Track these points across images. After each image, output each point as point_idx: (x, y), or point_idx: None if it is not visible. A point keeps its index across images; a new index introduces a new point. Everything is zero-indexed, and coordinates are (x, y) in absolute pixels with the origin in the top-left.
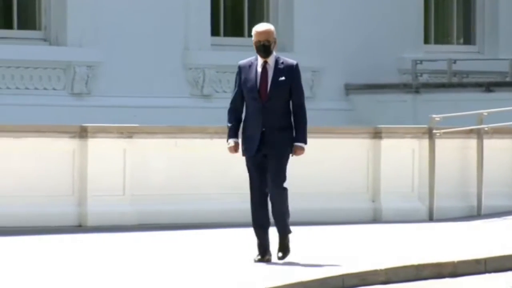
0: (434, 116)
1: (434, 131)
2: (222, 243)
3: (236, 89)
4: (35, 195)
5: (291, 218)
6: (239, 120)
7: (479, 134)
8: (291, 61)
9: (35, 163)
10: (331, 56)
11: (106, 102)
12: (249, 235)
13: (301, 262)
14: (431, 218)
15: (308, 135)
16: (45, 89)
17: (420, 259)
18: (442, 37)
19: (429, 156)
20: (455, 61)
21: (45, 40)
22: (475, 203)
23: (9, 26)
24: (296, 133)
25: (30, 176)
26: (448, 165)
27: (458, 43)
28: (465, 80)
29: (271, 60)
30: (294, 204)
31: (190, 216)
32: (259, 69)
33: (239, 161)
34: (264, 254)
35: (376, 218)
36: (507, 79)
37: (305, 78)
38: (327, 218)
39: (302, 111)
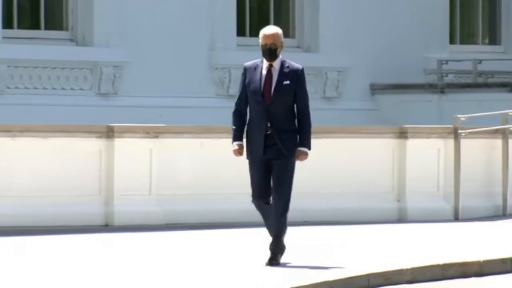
0: (459, 116)
1: (460, 131)
2: (247, 243)
3: (241, 90)
4: (62, 194)
5: (319, 218)
6: (243, 122)
7: (504, 134)
8: (297, 65)
9: (62, 163)
10: (356, 56)
11: (133, 102)
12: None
13: (326, 262)
14: (456, 218)
15: (333, 135)
16: (72, 89)
17: (445, 259)
18: (467, 37)
19: (455, 156)
20: (480, 61)
21: (72, 40)
22: (500, 203)
23: (36, 26)
24: (300, 138)
25: (57, 176)
26: (474, 165)
27: (483, 43)
28: (490, 80)
29: (276, 64)
30: (320, 204)
31: (216, 215)
32: (264, 72)
33: None
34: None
35: (401, 218)
36: None
37: (331, 78)
38: (352, 218)
39: (306, 115)
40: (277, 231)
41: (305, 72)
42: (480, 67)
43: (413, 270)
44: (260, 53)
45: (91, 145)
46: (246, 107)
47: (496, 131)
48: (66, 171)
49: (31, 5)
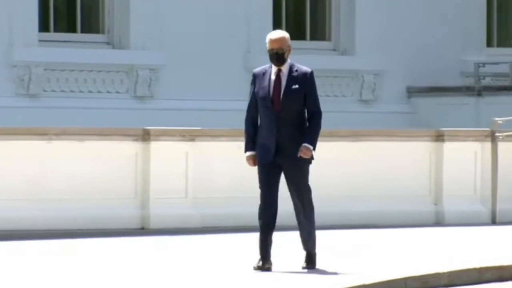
0: (496, 119)
1: (497, 134)
2: (283, 246)
3: (251, 97)
4: (98, 198)
5: (355, 222)
6: (255, 129)
7: None
8: (306, 68)
9: (99, 166)
10: (393, 59)
11: (169, 105)
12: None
13: (363, 265)
14: (493, 221)
15: (370, 138)
16: (108, 92)
17: (482, 262)
18: (504, 40)
19: (492, 159)
20: None
21: (108, 43)
22: None
23: (72, 29)
24: (306, 134)
25: (93, 179)
26: (511, 168)
27: None
28: None
29: (285, 68)
30: (356, 207)
31: (252, 218)
32: (273, 77)
33: None
34: (264, 261)
35: (438, 221)
36: None
37: (367, 81)
38: (389, 221)
39: (317, 117)
40: (311, 238)
41: (341, 75)
42: None
43: (450, 273)
44: (296, 57)
45: (127, 148)
46: (257, 114)
47: None
48: (102, 174)
49: (67, 8)
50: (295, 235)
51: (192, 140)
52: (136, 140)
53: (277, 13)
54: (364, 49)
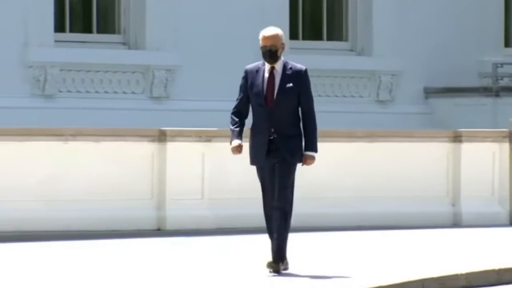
0: None
1: None
2: (299, 248)
3: (241, 94)
4: (114, 198)
5: (373, 223)
6: (242, 123)
7: None
8: (300, 66)
9: (114, 166)
10: (410, 59)
11: (185, 105)
12: (321, 240)
13: (380, 266)
14: (511, 222)
15: (387, 138)
16: (124, 93)
17: (501, 264)
18: None
19: (510, 159)
20: None
21: (124, 44)
22: None
23: (88, 30)
24: (305, 141)
25: (109, 180)
26: None
27: None
28: None
29: (278, 66)
30: (374, 208)
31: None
32: (266, 75)
33: (317, 165)
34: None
35: (456, 223)
36: None
37: (384, 82)
38: (407, 222)
39: (311, 118)
40: (281, 237)
41: (358, 75)
42: None
43: (468, 275)
44: (312, 57)
45: (143, 149)
46: (246, 110)
47: None
48: (118, 175)
49: (83, 8)
50: (305, 237)
51: (208, 140)
52: (152, 141)
53: (293, 14)
54: (381, 49)
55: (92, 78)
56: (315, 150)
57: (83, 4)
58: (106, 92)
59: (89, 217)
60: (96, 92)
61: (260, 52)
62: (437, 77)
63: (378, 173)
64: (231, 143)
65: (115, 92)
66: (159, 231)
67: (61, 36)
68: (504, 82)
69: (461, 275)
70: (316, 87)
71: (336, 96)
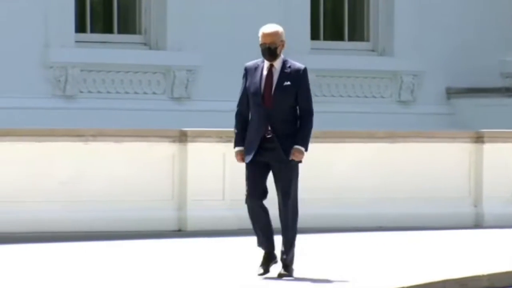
0: None
1: None
2: (318, 249)
3: (242, 92)
4: (135, 199)
5: (394, 223)
6: (246, 125)
7: None
8: (299, 65)
9: (135, 167)
10: (432, 59)
11: (206, 106)
12: (342, 241)
13: (401, 267)
14: None
15: (409, 139)
16: (145, 93)
17: None
18: None
19: None
20: None
21: (145, 44)
22: None
23: (109, 30)
24: (298, 135)
25: (130, 181)
26: None
27: None
28: None
29: (277, 64)
30: (395, 209)
31: None
32: (265, 73)
33: (338, 166)
34: (267, 264)
35: (477, 223)
36: None
37: (406, 82)
38: (428, 223)
39: (308, 116)
40: (289, 241)
41: (380, 75)
42: None
43: (490, 276)
44: (334, 57)
45: (164, 150)
46: (248, 110)
47: None
48: (138, 175)
49: (104, 9)
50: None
51: (229, 141)
52: (173, 141)
53: (314, 14)
54: (403, 49)
55: (113, 78)
56: (305, 147)
57: (104, 4)
58: (126, 92)
59: (109, 218)
60: (117, 92)
61: (283, 53)
62: (459, 77)
63: (399, 173)
64: (234, 148)
65: (135, 93)
66: (180, 232)
67: (82, 36)
68: None
69: (483, 276)
70: (337, 87)
71: (358, 96)
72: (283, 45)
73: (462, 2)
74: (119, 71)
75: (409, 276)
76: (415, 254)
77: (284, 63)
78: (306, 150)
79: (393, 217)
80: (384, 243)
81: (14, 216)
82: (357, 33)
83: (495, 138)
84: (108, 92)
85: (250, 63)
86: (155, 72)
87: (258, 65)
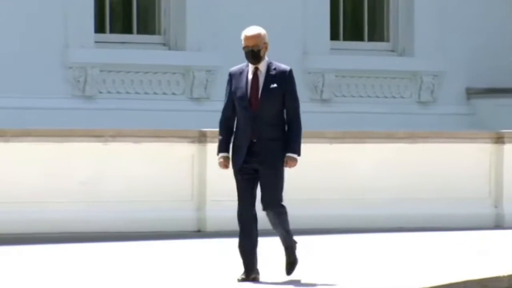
0: None
1: None
2: (339, 249)
3: (227, 98)
4: (154, 200)
5: (414, 224)
6: (231, 132)
7: None
8: (284, 66)
9: (154, 168)
10: (452, 59)
11: None
12: (362, 242)
13: (422, 268)
14: None
15: (429, 139)
16: (164, 93)
17: None
18: None
19: None
20: None
21: (164, 44)
22: None
23: (128, 31)
24: (289, 143)
25: (149, 181)
26: None
27: None
28: None
29: (262, 67)
30: (415, 209)
31: (307, 221)
32: (250, 76)
33: (358, 167)
34: (249, 273)
35: (498, 224)
36: None
37: (426, 82)
38: (448, 223)
39: (296, 120)
40: (287, 243)
41: (400, 76)
42: None
43: (511, 277)
44: (353, 58)
45: (183, 150)
46: (234, 115)
47: None
48: (158, 176)
49: (123, 9)
50: (346, 238)
51: None
52: (193, 142)
53: (334, 14)
54: (423, 50)
55: (132, 79)
56: (298, 153)
57: (123, 4)
58: (146, 93)
59: (128, 219)
60: (136, 93)
61: (300, 54)
62: (480, 77)
63: (419, 174)
64: (217, 154)
65: (155, 93)
66: (199, 233)
67: (101, 37)
68: None
69: (504, 277)
70: (357, 88)
71: (377, 97)
72: (266, 47)
73: (482, 2)
74: (138, 72)
75: (429, 277)
76: (436, 254)
77: (269, 65)
78: (299, 155)
79: (413, 217)
80: (404, 244)
81: (34, 217)
82: (377, 33)
83: None
84: (127, 93)
85: (234, 68)
86: (174, 73)
87: (243, 69)
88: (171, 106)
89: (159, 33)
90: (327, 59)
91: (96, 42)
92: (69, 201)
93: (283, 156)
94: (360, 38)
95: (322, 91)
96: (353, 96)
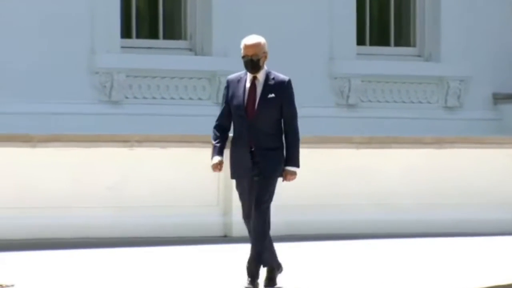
0: None
1: None
2: (366, 255)
3: (223, 105)
4: (180, 205)
5: (439, 229)
6: (225, 137)
7: None
8: (283, 76)
9: (181, 173)
10: (479, 64)
11: None
12: (390, 248)
13: (451, 273)
14: None
15: (456, 145)
16: (190, 99)
17: None
18: None
19: None
20: None
21: (190, 50)
22: None
23: (155, 36)
24: (287, 156)
25: (175, 186)
26: None
27: None
28: None
29: (260, 76)
30: (442, 215)
31: (335, 226)
32: (248, 85)
33: (385, 172)
34: (253, 280)
35: None
36: None
37: (453, 87)
38: (475, 229)
39: (294, 130)
40: (257, 250)
41: (426, 81)
42: None
43: None
44: (380, 63)
45: (209, 155)
46: (229, 123)
47: None
48: (184, 181)
49: (149, 14)
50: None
51: None
52: None
53: (360, 19)
54: (450, 55)
55: (158, 84)
56: (297, 165)
57: (149, 9)
58: (172, 98)
59: (154, 224)
60: (162, 98)
61: (327, 59)
62: (506, 82)
63: (446, 179)
64: (211, 158)
65: (181, 98)
66: (225, 238)
67: (127, 42)
68: None
69: None
70: (383, 93)
71: (404, 102)
72: (265, 57)
73: (509, 7)
74: (164, 77)
75: (459, 282)
76: (464, 260)
77: (267, 75)
78: (298, 167)
79: (440, 223)
80: (432, 249)
81: (60, 222)
82: (403, 38)
83: None
84: (154, 98)
85: (232, 76)
86: (200, 78)
87: (241, 77)
88: (197, 111)
89: (185, 38)
90: (353, 64)
91: (122, 47)
92: (95, 206)
93: (280, 166)
94: (386, 43)
95: (348, 96)
96: (379, 101)
